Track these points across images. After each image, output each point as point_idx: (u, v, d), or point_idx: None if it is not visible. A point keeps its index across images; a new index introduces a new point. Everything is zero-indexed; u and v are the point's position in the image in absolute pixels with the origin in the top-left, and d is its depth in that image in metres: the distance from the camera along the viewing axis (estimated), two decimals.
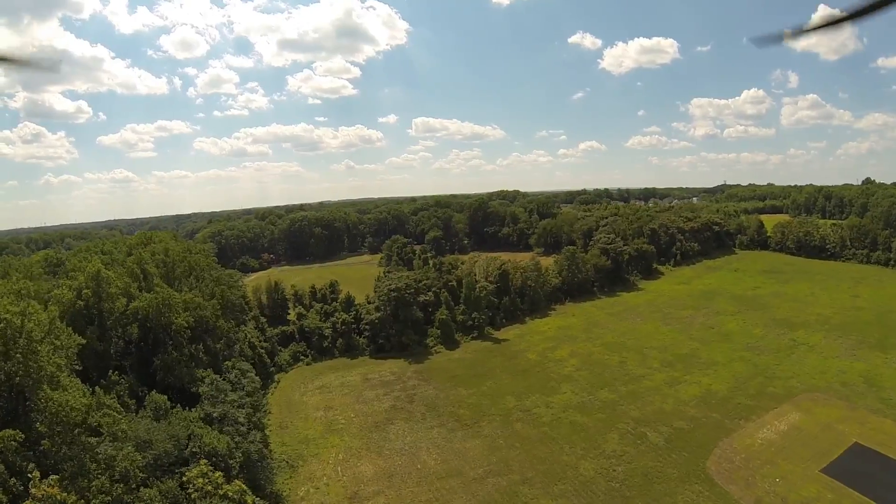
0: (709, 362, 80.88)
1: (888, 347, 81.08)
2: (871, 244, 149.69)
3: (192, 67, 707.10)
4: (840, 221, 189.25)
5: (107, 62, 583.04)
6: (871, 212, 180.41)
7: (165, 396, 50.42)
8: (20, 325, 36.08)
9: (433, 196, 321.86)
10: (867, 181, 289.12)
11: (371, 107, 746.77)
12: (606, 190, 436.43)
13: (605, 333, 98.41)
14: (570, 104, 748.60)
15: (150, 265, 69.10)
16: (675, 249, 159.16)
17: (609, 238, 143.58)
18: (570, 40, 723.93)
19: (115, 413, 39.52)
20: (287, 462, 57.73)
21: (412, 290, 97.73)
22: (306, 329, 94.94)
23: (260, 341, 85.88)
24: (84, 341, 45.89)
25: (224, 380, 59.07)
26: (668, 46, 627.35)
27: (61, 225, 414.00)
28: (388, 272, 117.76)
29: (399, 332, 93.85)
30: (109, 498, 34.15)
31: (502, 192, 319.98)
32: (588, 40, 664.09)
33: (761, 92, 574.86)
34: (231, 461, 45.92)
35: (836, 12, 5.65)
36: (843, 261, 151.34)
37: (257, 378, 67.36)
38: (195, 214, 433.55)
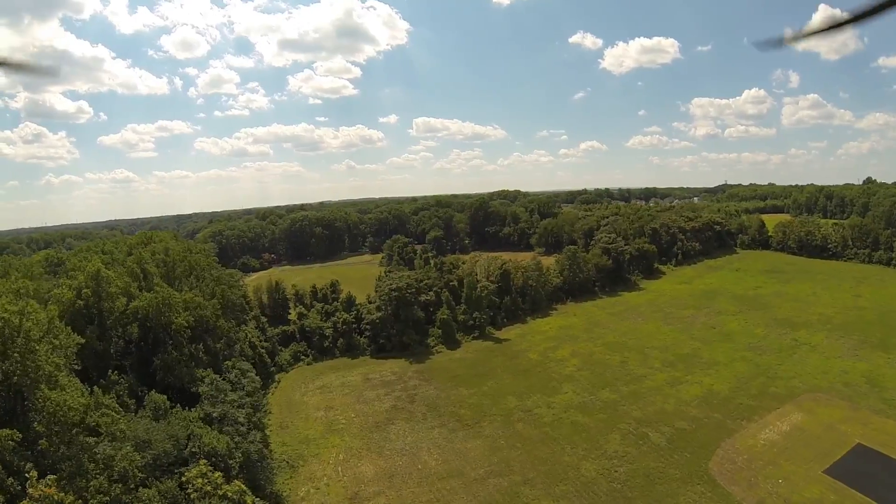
0: (710, 362, 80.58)
1: (890, 347, 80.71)
2: (872, 244, 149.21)
3: (193, 67, 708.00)
4: (841, 221, 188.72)
5: (107, 62, 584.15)
6: (873, 211, 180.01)
7: (165, 396, 50.20)
8: (18, 325, 35.89)
9: (434, 196, 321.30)
10: (868, 181, 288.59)
11: (372, 107, 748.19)
12: (607, 190, 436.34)
13: (606, 333, 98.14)
14: (571, 104, 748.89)
15: (151, 265, 68.94)
16: (677, 249, 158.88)
17: (610, 238, 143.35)
18: (570, 40, 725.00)
19: (113, 413, 39.34)
20: (287, 462, 57.52)
21: (413, 290, 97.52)
22: (307, 329, 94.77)
23: (260, 341, 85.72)
24: (83, 341, 45.73)
25: (224, 380, 58.87)
26: (668, 46, 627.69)
27: (62, 225, 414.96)
28: (389, 272, 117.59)
29: (400, 331, 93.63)
30: (108, 498, 33.95)
31: (503, 191, 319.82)
32: (589, 40, 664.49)
33: (762, 92, 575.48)
34: (231, 461, 45.71)
35: (839, 13, 5.50)
36: (845, 260, 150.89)
37: (258, 378, 67.16)
38: (196, 214, 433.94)
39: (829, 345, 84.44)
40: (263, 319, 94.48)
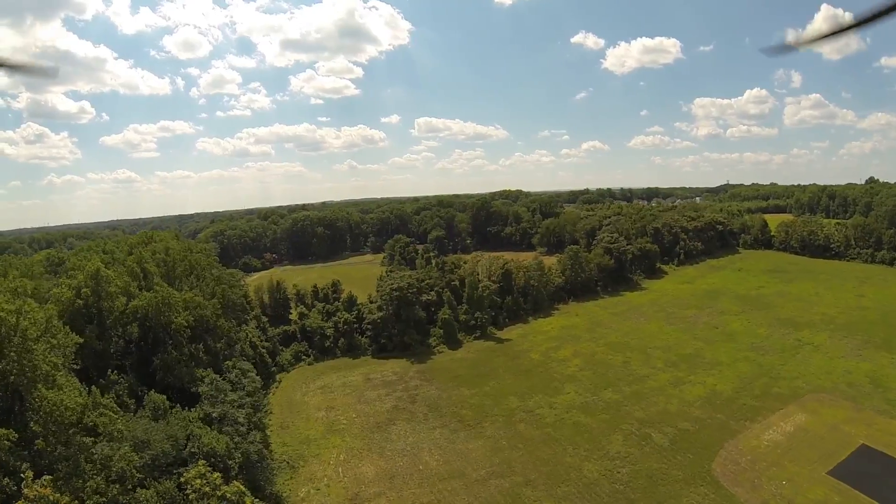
0: (713, 362, 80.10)
1: (894, 347, 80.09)
2: (875, 243, 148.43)
3: (195, 68, 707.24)
4: (844, 221, 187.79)
5: (109, 63, 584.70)
6: (876, 211, 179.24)
7: (164, 396, 49.94)
8: (15, 323, 35.61)
9: (436, 196, 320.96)
10: (871, 180, 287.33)
11: (374, 107, 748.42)
12: (609, 190, 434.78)
13: (608, 333, 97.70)
14: (573, 104, 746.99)
15: (151, 264, 68.75)
16: (679, 249, 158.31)
17: (612, 237, 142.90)
18: (572, 40, 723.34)
19: (111, 413, 39.07)
20: (288, 463, 57.24)
21: (415, 290, 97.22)
22: (308, 329, 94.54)
23: (261, 341, 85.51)
24: (82, 340, 45.48)
25: (224, 379, 58.56)
26: (670, 46, 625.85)
27: (64, 225, 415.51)
28: (391, 272, 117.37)
29: (401, 331, 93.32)
30: (105, 499, 33.67)
31: (505, 191, 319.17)
32: (591, 40, 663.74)
33: (764, 92, 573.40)
34: (230, 462, 45.45)
35: (842, 14, 5.27)
36: (848, 260, 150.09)
37: (258, 378, 66.85)
38: (198, 214, 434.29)
39: (832, 345, 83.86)
40: (264, 319, 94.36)
